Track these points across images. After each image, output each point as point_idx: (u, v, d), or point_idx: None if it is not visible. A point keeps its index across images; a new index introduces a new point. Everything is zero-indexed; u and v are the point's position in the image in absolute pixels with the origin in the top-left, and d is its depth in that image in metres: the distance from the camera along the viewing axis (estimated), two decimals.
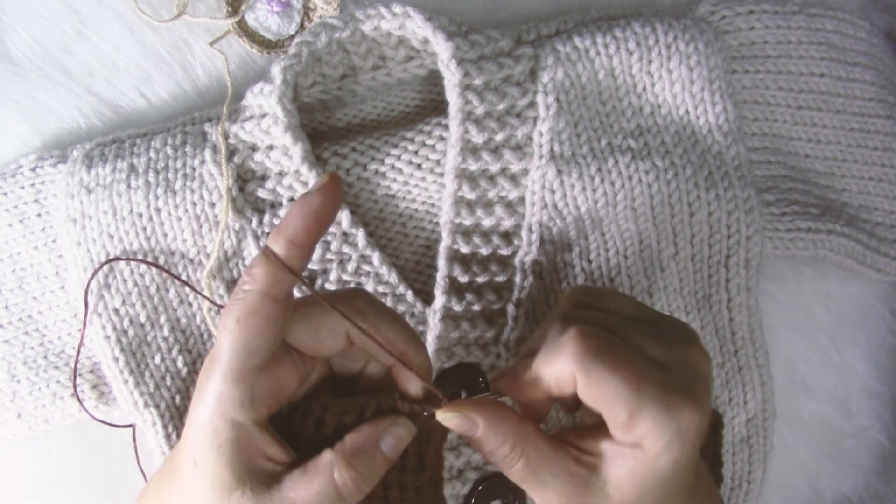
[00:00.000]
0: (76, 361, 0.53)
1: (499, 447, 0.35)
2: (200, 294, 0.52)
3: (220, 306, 0.52)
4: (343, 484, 0.34)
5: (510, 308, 0.51)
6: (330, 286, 0.52)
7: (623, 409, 0.33)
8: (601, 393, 0.33)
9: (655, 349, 0.34)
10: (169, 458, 0.38)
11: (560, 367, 0.34)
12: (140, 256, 0.51)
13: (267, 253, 0.33)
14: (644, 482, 0.34)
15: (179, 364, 0.52)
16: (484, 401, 0.36)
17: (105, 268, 0.52)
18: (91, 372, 0.53)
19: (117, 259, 0.51)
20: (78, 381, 0.53)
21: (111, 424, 0.53)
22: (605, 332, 0.34)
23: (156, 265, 0.51)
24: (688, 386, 0.34)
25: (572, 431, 0.36)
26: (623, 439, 0.34)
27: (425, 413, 0.35)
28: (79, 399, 0.53)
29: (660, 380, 0.33)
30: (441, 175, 0.52)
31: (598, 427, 0.35)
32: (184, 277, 0.52)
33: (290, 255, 0.33)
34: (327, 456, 0.34)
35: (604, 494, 0.34)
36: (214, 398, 0.33)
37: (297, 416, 0.35)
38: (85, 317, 0.52)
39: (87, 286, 0.52)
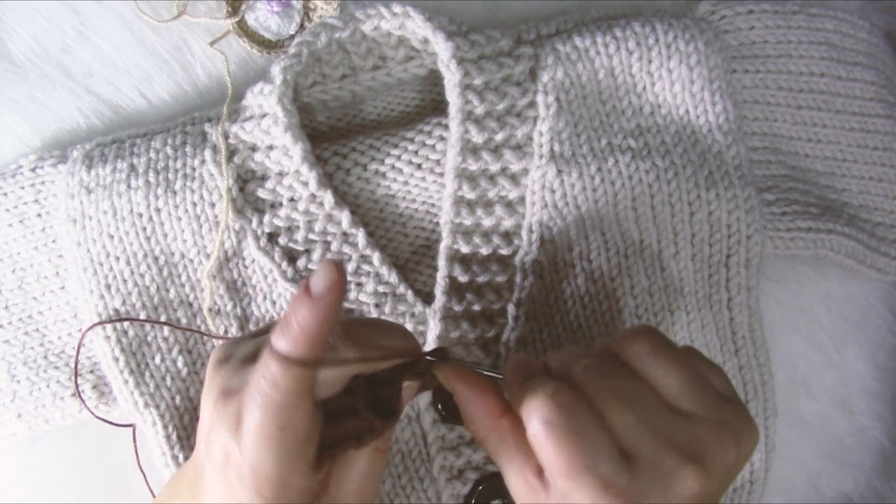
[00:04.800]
0: (76, 361, 0.53)
1: (468, 423, 0.38)
2: (205, 335, 0.52)
3: (223, 337, 0.52)
4: (382, 447, 0.37)
5: (510, 308, 0.51)
6: None
7: (557, 483, 0.33)
8: (541, 458, 0.33)
9: (641, 444, 0.33)
10: None
11: (524, 413, 0.34)
12: (140, 257, 0.51)
13: (285, 361, 0.32)
14: None
15: (179, 364, 0.52)
16: (478, 380, 0.37)
17: (106, 268, 0.52)
18: (91, 372, 0.53)
19: (115, 321, 0.51)
20: (78, 381, 0.53)
21: (112, 423, 0.53)
22: (589, 400, 0.34)
23: (149, 321, 0.52)
24: (639, 496, 0.32)
25: None
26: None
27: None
28: (81, 398, 0.53)
29: (605, 476, 0.32)
30: (441, 175, 0.52)
31: None
32: (184, 277, 0.52)
33: (316, 353, 0.32)
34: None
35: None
36: (291, 491, 0.34)
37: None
38: (76, 366, 0.52)
39: (80, 342, 0.52)
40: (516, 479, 0.36)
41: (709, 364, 0.37)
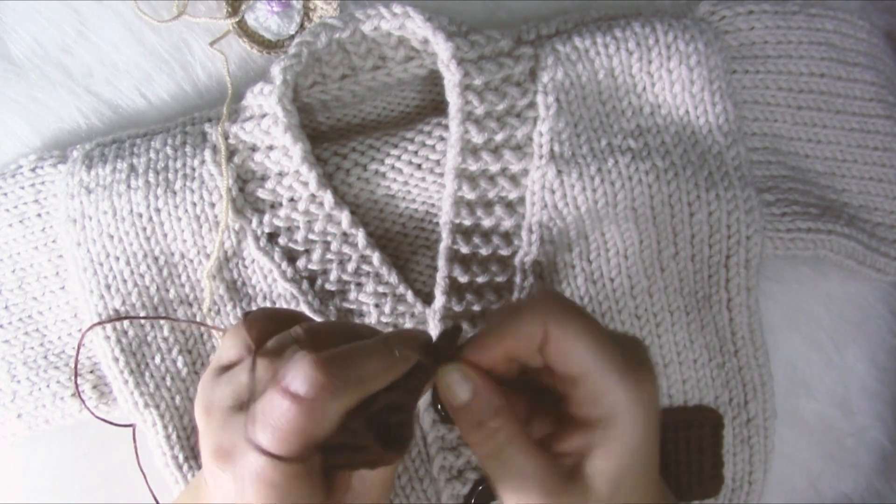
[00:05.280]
0: (76, 361, 0.53)
1: (490, 419, 0.34)
2: (205, 325, 0.52)
3: (223, 329, 0.52)
4: None
5: None
6: (330, 286, 0.52)
7: (591, 374, 0.33)
8: (570, 350, 0.33)
9: (611, 331, 0.36)
10: None
11: (530, 323, 0.33)
12: (140, 257, 0.51)
13: (280, 458, 0.30)
14: (621, 463, 0.33)
15: (179, 364, 0.52)
16: (481, 369, 0.35)
17: (106, 268, 0.52)
18: (91, 372, 0.53)
19: (114, 320, 0.51)
20: (78, 381, 0.53)
21: (112, 423, 0.53)
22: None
23: (147, 317, 0.52)
24: (643, 362, 0.34)
25: (543, 441, 0.36)
26: (591, 414, 0.33)
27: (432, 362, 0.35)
28: (81, 398, 0.53)
29: (621, 352, 0.33)
30: (441, 175, 0.52)
31: (564, 429, 0.35)
32: (184, 277, 0.52)
33: (309, 450, 0.31)
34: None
35: (584, 489, 0.33)
36: None
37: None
38: (76, 365, 0.52)
39: (80, 342, 0.52)
40: (542, 473, 0.34)
41: None
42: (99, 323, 0.51)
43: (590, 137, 0.52)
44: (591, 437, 0.33)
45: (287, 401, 0.30)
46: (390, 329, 0.51)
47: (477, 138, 0.50)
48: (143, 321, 0.52)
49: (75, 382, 0.53)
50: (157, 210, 0.51)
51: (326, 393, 0.30)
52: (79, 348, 0.53)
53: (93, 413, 0.53)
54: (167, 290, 0.52)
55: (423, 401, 0.50)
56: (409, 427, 0.34)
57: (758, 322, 0.53)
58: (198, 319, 0.52)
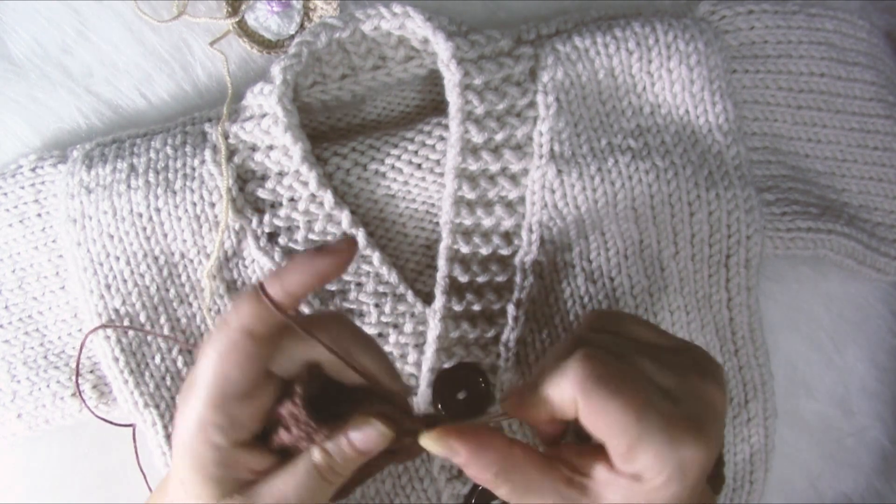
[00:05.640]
0: (77, 361, 0.53)
1: (482, 474, 0.35)
2: (180, 342, 0.52)
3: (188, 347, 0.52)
4: (323, 467, 0.35)
5: (510, 308, 0.51)
6: (330, 286, 0.52)
7: (623, 439, 0.32)
8: (601, 420, 0.33)
9: (666, 378, 0.34)
10: (165, 476, 0.39)
11: (563, 391, 0.34)
12: (140, 257, 0.51)
13: (259, 292, 0.34)
14: None
15: (179, 364, 0.52)
16: (470, 427, 0.36)
17: (106, 268, 0.52)
18: (91, 372, 0.53)
19: (110, 325, 0.51)
20: (78, 380, 0.53)
21: (112, 423, 0.53)
22: (613, 356, 0.34)
23: (133, 328, 0.52)
24: (695, 418, 0.33)
25: (572, 449, 0.36)
26: (622, 469, 0.33)
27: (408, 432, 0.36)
28: (81, 398, 0.53)
29: (664, 410, 0.32)
30: (441, 175, 0.52)
31: (598, 449, 0.34)
32: (184, 277, 0.52)
33: (283, 302, 0.34)
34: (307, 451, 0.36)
35: None
36: (195, 423, 0.34)
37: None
38: (77, 365, 0.52)
39: (82, 344, 0.52)
40: (552, 499, 0.35)
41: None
42: (101, 326, 0.51)
43: (590, 137, 0.52)
44: (618, 479, 0.33)
45: (308, 256, 0.35)
46: (391, 328, 0.51)
47: (477, 138, 0.50)
48: (143, 321, 0.52)
49: (76, 382, 0.53)
50: (157, 210, 0.51)
51: (336, 265, 0.35)
52: (81, 349, 0.53)
53: (93, 413, 0.53)
54: (167, 290, 0.52)
55: (424, 401, 0.50)
56: (342, 419, 0.35)
57: (758, 322, 0.53)
58: (197, 320, 0.52)
